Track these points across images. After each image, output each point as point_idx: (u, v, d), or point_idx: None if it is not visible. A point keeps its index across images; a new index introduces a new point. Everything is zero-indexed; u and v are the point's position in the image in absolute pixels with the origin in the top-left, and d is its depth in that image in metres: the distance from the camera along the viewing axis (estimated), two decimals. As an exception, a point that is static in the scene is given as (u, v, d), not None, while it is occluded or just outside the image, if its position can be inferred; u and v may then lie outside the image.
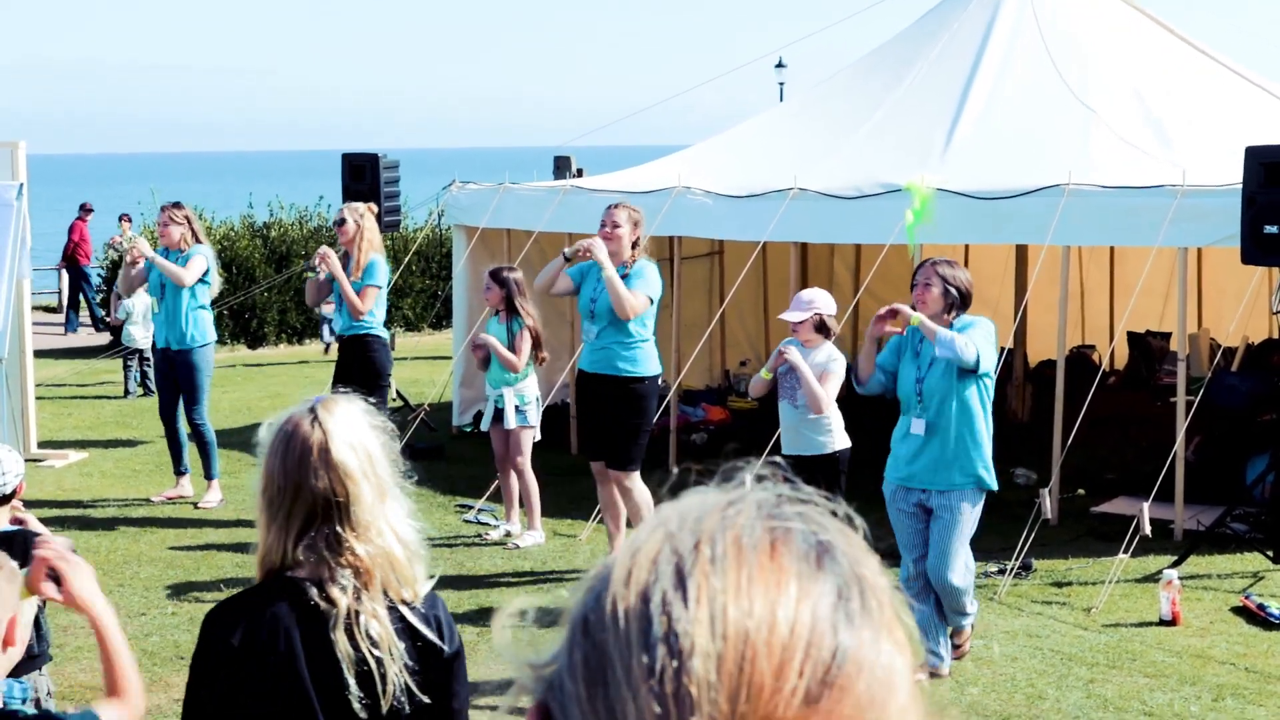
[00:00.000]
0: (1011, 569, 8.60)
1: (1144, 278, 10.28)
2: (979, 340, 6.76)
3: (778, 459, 1.08)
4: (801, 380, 7.46)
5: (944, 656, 7.10)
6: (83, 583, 3.20)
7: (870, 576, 0.94)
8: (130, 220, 21.67)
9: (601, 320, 8.39)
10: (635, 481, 8.43)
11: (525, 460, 9.51)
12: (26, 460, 5.54)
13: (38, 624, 5.00)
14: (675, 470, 1.10)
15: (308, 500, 2.82)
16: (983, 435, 6.90)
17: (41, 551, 3.18)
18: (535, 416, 9.51)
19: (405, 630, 2.85)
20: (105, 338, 19.88)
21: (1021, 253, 12.25)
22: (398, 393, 13.44)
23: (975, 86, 11.87)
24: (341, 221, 10.14)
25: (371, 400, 3.06)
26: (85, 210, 22.86)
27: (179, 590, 8.67)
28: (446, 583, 7.88)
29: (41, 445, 12.59)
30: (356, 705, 2.80)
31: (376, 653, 2.80)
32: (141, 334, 15.43)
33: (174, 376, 10.60)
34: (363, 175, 12.25)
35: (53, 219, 38.14)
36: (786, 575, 0.91)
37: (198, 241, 10.62)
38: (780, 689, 0.87)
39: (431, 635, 2.86)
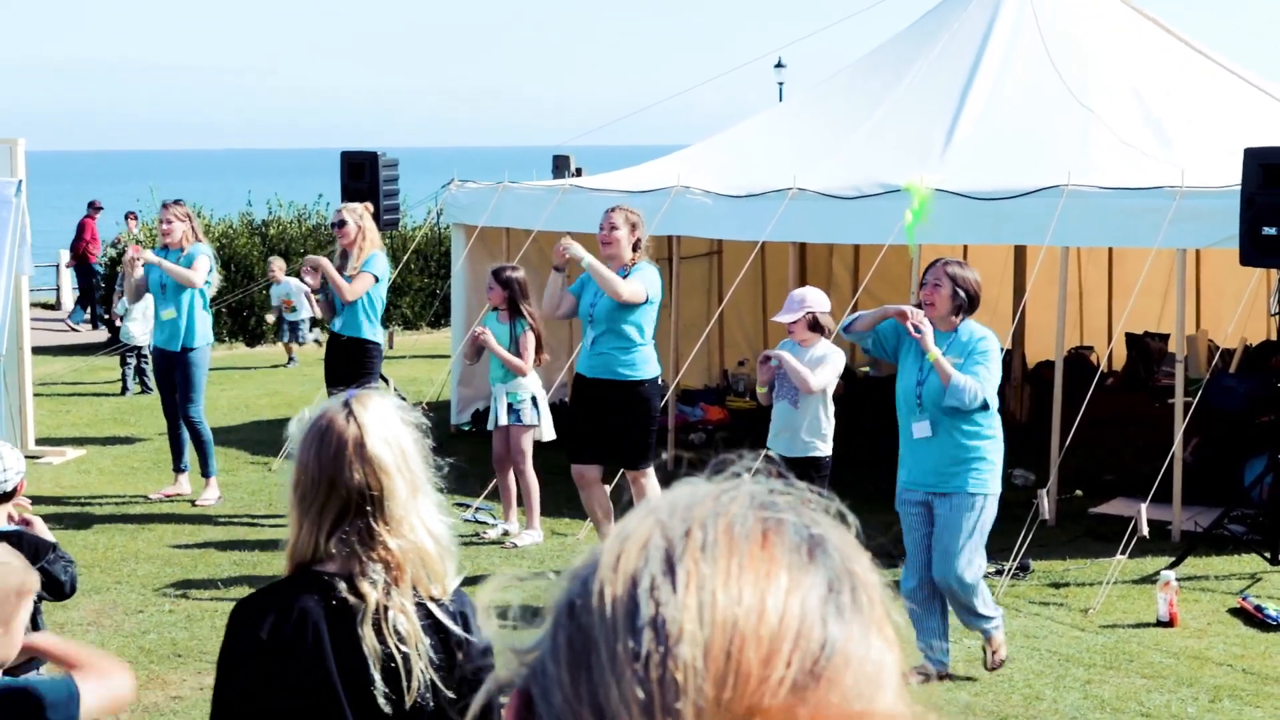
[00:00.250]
0: (1009, 570, 8.60)
1: (1142, 279, 10.27)
2: (985, 376, 6.69)
3: (770, 453, 1.08)
4: (787, 368, 7.46)
5: (945, 660, 7.08)
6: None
7: (861, 572, 0.94)
8: (136, 218, 21.67)
9: (600, 325, 8.40)
10: (649, 477, 8.52)
11: (525, 459, 9.51)
12: (24, 457, 5.54)
13: (35, 623, 4.99)
14: (664, 455, 1.09)
15: (341, 495, 2.82)
16: (987, 438, 6.82)
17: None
18: (533, 415, 9.49)
19: (432, 626, 2.85)
20: (104, 335, 19.88)
21: (1020, 253, 12.25)
22: (395, 391, 13.44)
23: (975, 87, 11.87)
24: (341, 223, 10.10)
25: None
26: (94, 208, 22.83)
27: (176, 588, 8.66)
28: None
29: (39, 442, 12.58)
30: (381, 700, 2.80)
31: (403, 648, 2.80)
32: (140, 331, 15.42)
33: (171, 376, 10.60)
34: (361, 173, 12.25)
35: (52, 216, 38.14)
36: (777, 565, 0.90)
37: (197, 240, 10.62)
38: (767, 678, 0.87)
39: (459, 631, 2.86)
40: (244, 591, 8.59)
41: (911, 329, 6.72)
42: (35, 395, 12.95)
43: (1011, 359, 12.74)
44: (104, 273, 21.37)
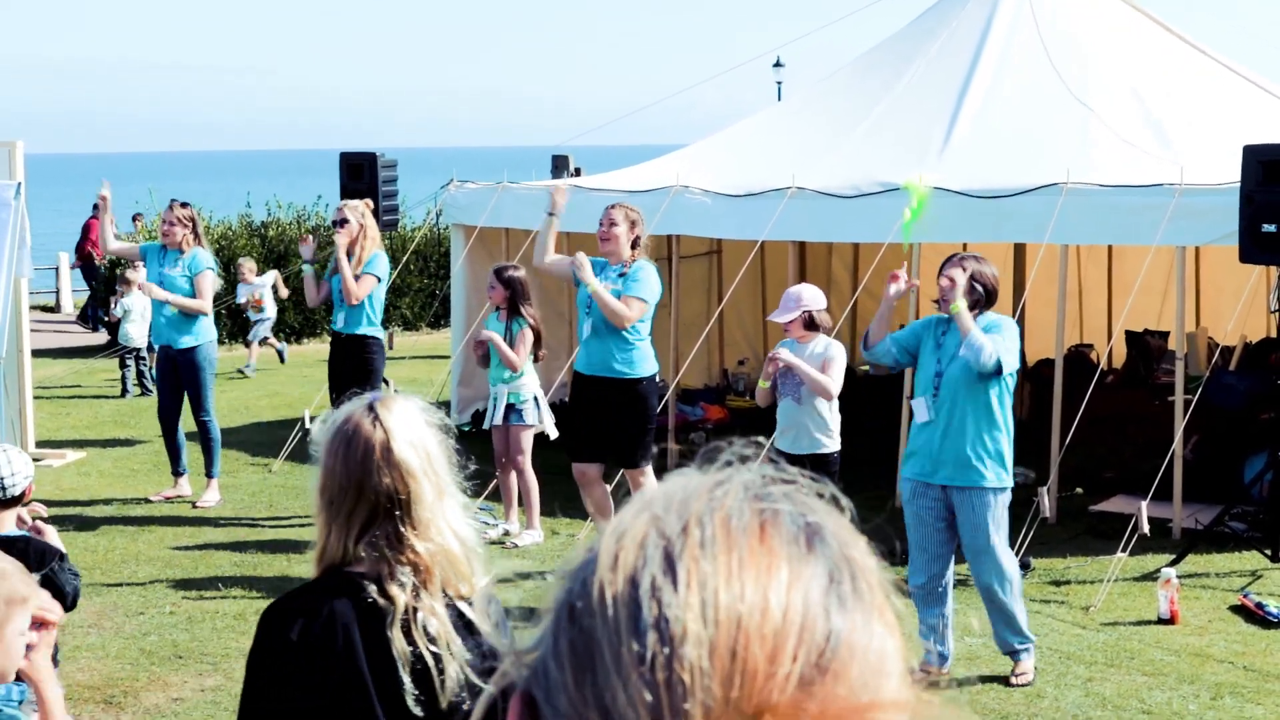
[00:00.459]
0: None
1: (1142, 276, 10.27)
2: (1003, 346, 6.71)
3: (759, 439, 1.07)
4: (802, 375, 7.45)
5: (947, 657, 7.08)
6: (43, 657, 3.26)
7: (859, 558, 0.94)
8: (142, 218, 21.64)
9: (597, 318, 8.42)
10: (648, 476, 8.53)
11: (525, 459, 9.52)
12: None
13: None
14: (658, 450, 1.09)
15: (370, 499, 2.82)
16: (1003, 432, 6.84)
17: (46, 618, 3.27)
18: (533, 415, 9.50)
19: (465, 626, 2.85)
20: (104, 337, 19.87)
21: (1020, 251, 12.25)
22: (396, 392, 13.42)
23: (973, 85, 11.87)
24: (344, 221, 10.10)
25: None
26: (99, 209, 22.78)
27: (177, 589, 8.66)
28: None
29: (39, 445, 12.58)
30: (411, 702, 2.80)
31: (434, 649, 2.80)
32: (139, 333, 15.43)
33: (176, 377, 10.59)
34: (360, 174, 12.25)
35: (51, 219, 38.11)
36: (777, 559, 0.90)
37: (199, 244, 10.62)
38: (774, 674, 0.86)
39: (490, 630, 2.86)
40: (244, 593, 8.63)
41: (942, 294, 6.74)
42: (35, 398, 12.95)
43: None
44: (105, 274, 21.37)
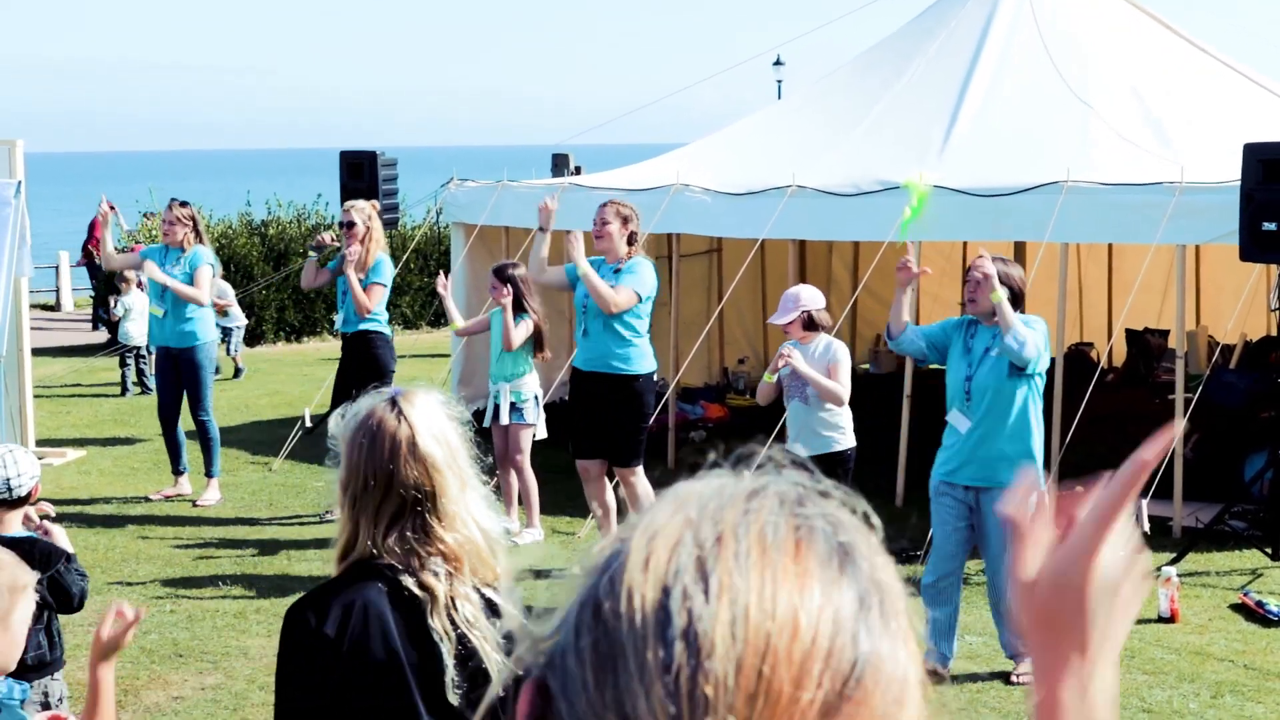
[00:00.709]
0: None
1: (1142, 275, 10.27)
2: (1035, 339, 6.71)
3: (788, 447, 1.06)
4: (814, 385, 7.41)
5: (950, 656, 7.08)
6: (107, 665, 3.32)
7: (888, 581, 0.92)
8: (155, 216, 21.62)
9: (595, 318, 8.42)
10: (638, 476, 8.54)
11: (524, 458, 9.52)
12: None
13: (51, 630, 4.98)
14: (674, 456, 1.08)
15: (398, 494, 2.83)
16: (1034, 434, 6.84)
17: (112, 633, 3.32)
18: (534, 414, 9.51)
19: (493, 613, 2.86)
20: (104, 335, 19.88)
21: (1020, 250, 12.22)
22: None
23: (973, 83, 11.87)
24: (351, 224, 10.11)
25: None
26: None
27: (177, 588, 8.66)
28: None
29: (40, 443, 12.57)
30: (450, 689, 2.80)
31: (476, 632, 2.81)
32: (138, 331, 15.41)
33: (176, 376, 10.59)
34: (361, 173, 12.25)
35: (51, 218, 38.14)
36: (810, 579, 0.88)
37: (200, 242, 10.62)
38: (798, 698, 0.85)
39: (518, 615, 2.86)
40: (244, 592, 8.63)
41: (979, 277, 6.74)
42: (35, 396, 12.94)
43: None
44: (106, 273, 21.37)
